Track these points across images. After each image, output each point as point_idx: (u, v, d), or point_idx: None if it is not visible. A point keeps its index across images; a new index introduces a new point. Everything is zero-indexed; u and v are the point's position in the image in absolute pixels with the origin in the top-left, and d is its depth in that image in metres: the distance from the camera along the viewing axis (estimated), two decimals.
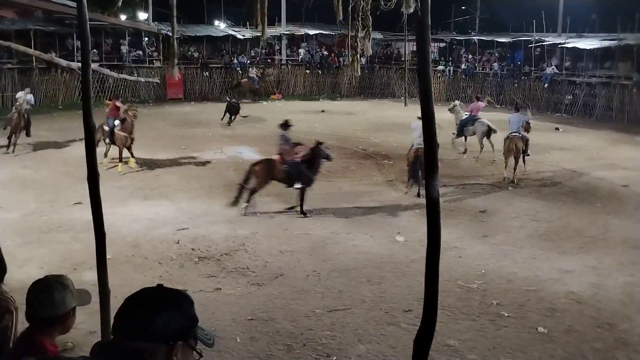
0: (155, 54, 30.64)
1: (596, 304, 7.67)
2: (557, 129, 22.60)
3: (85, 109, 3.89)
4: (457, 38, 35.05)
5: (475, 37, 33.64)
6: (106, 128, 14.42)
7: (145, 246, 9.41)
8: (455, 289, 7.98)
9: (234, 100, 23.92)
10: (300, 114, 24.60)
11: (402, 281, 8.11)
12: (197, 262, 8.78)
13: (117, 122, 14.63)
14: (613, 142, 19.90)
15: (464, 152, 17.16)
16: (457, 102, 19.17)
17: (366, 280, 8.21)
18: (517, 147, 14.02)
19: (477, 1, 38.28)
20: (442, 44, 35.65)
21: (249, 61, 32.24)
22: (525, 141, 14.48)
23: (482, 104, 17.98)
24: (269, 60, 33.87)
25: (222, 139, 18.85)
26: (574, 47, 27.71)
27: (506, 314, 7.28)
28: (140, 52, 29.94)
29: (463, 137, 17.28)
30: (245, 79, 29.96)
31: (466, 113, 17.35)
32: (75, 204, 11.21)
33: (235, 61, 31.57)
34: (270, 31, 34.11)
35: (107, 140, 14.53)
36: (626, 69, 26.43)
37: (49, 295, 2.90)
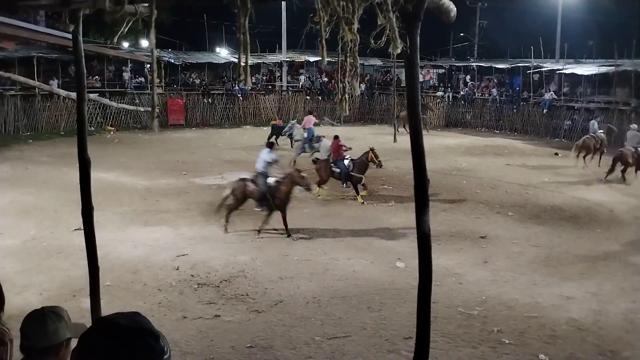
0: (157, 80, 30.86)
1: (598, 331, 7.63)
2: (556, 154, 22.66)
3: (80, 143, 3.92)
4: (456, 64, 35.38)
5: (474, 64, 33.97)
6: (336, 170, 14.67)
7: (145, 272, 9.39)
8: (456, 316, 7.94)
9: (279, 123, 24.15)
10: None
11: (403, 308, 8.07)
12: (197, 289, 8.75)
13: (346, 162, 14.68)
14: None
15: (293, 163, 18.08)
16: (293, 121, 21.19)
17: (366, 307, 8.18)
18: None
19: (476, 28, 38.78)
20: (441, 70, 36.01)
21: (250, 88, 32.52)
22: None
23: (313, 118, 20.40)
24: (270, 87, 34.16)
25: (223, 165, 18.91)
26: (572, 73, 27.95)
27: (507, 341, 7.24)
28: (142, 79, 30.20)
29: (304, 153, 18.87)
30: (405, 112, 28.84)
31: (304, 128, 19.32)
32: (75, 230, 11.19)
33: (237, 87, 31.83)
34: (271, 58, 34.57)
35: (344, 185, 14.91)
36: (624, 95, 26.63)
37: (43, 325, 2.88)
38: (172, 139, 25.31)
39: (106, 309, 6.51)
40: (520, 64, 30.10)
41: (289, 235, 11.42)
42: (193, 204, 13.87)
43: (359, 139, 22.85)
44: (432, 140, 25.48)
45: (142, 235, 11.37)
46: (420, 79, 34.76)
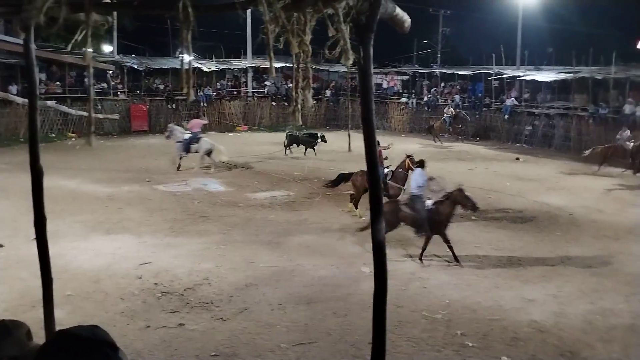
0: (120, 86, 30.47)
1: (558, 332, 7.79)
2: (517, 159, 23.14)
3: (32, 152, 3.82)
4: (420, 71, 35.86)
5: (437, 70, 34.47)
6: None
7: (107, 281, 9.21)
8: (420, 320, 8.02)
9: (294, 131, 24.07)
10: (266, 145, 24.74)
11: (368, 313, 7.96)
12: (160, 297, 8.64)
13: (386, 170, 13.64)
14: (572, 172, 20.44)
15: (178, 168, 18.78)
16: (171, 124, 21.26)
17: (332, 312, 8.19)
18: None
19: (439, 35, 39.35)
20: (405, 77, 36.44)
21: (215, 93, 32.37)
22: None
23: (201, 121, 20.64)
24: (235, 93, 34.03)
25: (187, 171, 18.73)
26: (532, 79, 28.60)
27: (470, 344, 7.34)
28: (105, 85, 29.73)
29: (186, 154, 19.04)
30: (438, 122, 28.73)
31: (188, 131, 19.39)
32: (34, 239, 10.91)
33: (201, 93, 31.61)
34: (237, 64, 34.43)
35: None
36: (582, 101, 27.39)
37: None
38: (135, 146, 24.99)
39: (67, 319, 6.41)
40: (482, 71, 30.67)
41: (457, 261, 10.45)
42: (156, 211, 13.70)
43: (322, 144, 22.96)
44: (396, 146, 25.71)
45: (104, 243, 11.16)
46: (385, 86, 35.19)
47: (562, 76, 27.52)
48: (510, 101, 28.89)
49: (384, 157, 13.87)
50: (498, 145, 27.53)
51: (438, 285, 9.37)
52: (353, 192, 13.71)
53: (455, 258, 10.49)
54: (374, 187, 3.08)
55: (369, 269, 9.81)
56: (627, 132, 20.92)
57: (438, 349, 7.22)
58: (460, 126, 28.89)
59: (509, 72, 29.78)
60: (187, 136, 19.12)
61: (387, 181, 13.51)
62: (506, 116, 28.80)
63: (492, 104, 29.89)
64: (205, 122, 21.13)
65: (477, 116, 30.20)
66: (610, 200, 15.95)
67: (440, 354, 7.11)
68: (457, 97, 31.46)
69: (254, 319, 7.97)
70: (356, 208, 13.48)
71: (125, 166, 19.57)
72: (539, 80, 28.24)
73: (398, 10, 2.91)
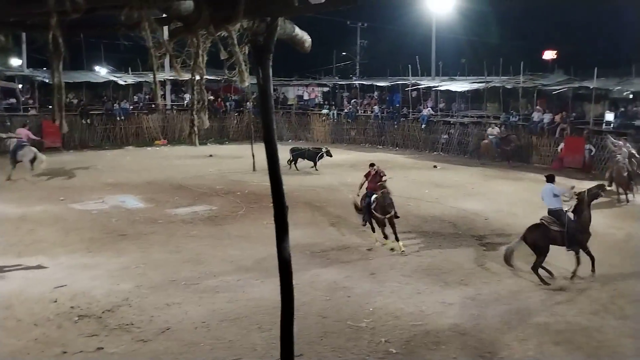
0: (30, 101, 29.09)
1: (478, 334, 8.06)
2: (435, 166, 23.86)
3: None
4: (340, 82, 36.37)
5: (356, 82, 35.10)
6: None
7: (19, 307, 8.74)
8: (345, 329, 8.09)
9: (301, 147, 23.84)
10: (187, 159, 24.31)
11: (294, 326, 8.07)
12: (77, 321, 8.27)
13: (374, 197, 12.25)
14: (486, 178, 21.28)
15: (8, 179, 18.79)
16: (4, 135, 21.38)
17: (257, 327, 8.12)
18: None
19: (357, 47, 40.14)
20: (325, 89, 36.88)
21: (132, 107, 31.50)
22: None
23: (27, 132, 20.34)
24: (153, 106, 33.26)
25: (104, 188, 18.10)
26: (447, 89, 29.63)
27: (394, 351, 7.47)
28: (14, 100, 28.29)
29: (14, 163, 19.12)
30: (486, 141, 25.41)
31: (18, 138, 19.50)
32: None
33: (117, 107, 30.70)
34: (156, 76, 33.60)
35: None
36: (494, 109, 28.70)
37: None
38: (48, 163, 23.86)
39: None
40: (399, 82, 31.47)
41: (593, 270, 10.23)
42: (72, 231, 13.14)
43: (247, 157, 22.75)
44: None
45: (15, 267, 10.58)
46: (306, 97, 35.46)
47: (475, 86, 28.70)
48: (426, 111, 29.79)
49: (382, 178, 12.55)
50: (416, 154, 28.30)
51: (362, 294, 9.49)
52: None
53: (592, 267, 10.29)
54: (279, 204, 3.09)
55: (294, 281, 9.81)
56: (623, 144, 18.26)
57: (363, 357, 7.31)
58: (509, 148, 24.81)
59: (424, 83, 30.71)
60: (13, 144, 19.26)
61: (372, 209, 12.26)
62: (423, 125, 29.65)
63: (409, 113, 30.70)
64: (30, 135, 20.34)
65: (395, 126, 30.93)
66: (523, 203, 16.69)
67: None
68: (376, 107, 32.12)
69: (176, 338, 7.77)
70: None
71: (37, 184, 18.65)
72: (454, 90, 29.31)
73: (297, 30, 2.94)
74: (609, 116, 24.15)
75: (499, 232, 13.68)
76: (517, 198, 17.25)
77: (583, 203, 10.32)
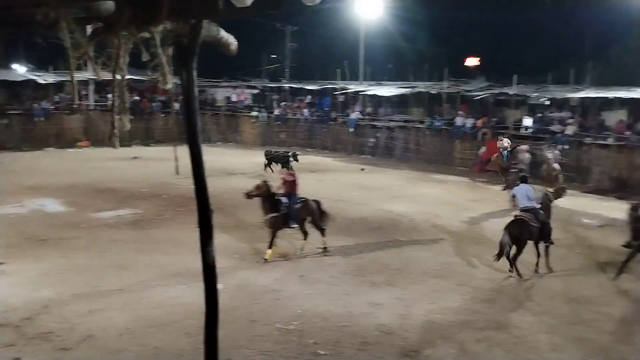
0: None
1: (403, 334, 8.25)
2: (362, 169, 24.25)
3: None
4: (269, 85, 36.33)
5: (286, 85, 35.14)
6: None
7: None
8: (273, 332, 8.09)
9: (274, 151, 22.90)
10: (111, 161, 23.54)
11: (221, 331, 7.94)
12: None
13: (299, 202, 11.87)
14: (412, 180, 21.82)
15: None
16: None
17: (184, 332, 7.97)
18: None
19: (286, 50, 40.18)
20: (255, 91, 36.74)
21: (53, 107, 30.24)
22: None
23: None
24: (75, 106, 32.03)
25: (22, 191, 17.26)
26: (374, 94, 30.17)
27: (322, 352, 7.53)
28: None
29: None
30: (496, 154, 21.52)
31: None
32: None
33: (37, 107, 29.40)
34: (77, 76, 32.40)
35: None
36: (419, 114, 29.50)
37: None
38: None
39: None
40: (328, 85, 31.79)
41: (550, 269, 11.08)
42: None
43: (172, 158, 22.31)
44: (247, 158, 25.85)
45: None
46: (234, 99, 35.17)
47: (401, 91, 29.38)
48: (355, 115, 30.23)
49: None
50: (345, 157, 28.64)
51: (291, 296, 9.51)
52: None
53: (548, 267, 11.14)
54: (203, 208, 3.06)
55: (222, 285, 9.70)
56: (556, 152, 20.74)
57: (291, 359, 7.32)
58: (517, 164, 20.63)
59: (353, 87, 31.15)
60: None
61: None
62: (351, 129, 30.07)
63: (338, 117, 31.04)
64: None
65: (324, 129, 31.19)
66: (446, 205, 17.25)
67: None
68: (306, 111, 32.29)
69: (99, 346, 7.53)
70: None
71: None
72: (381, 94, 29.89)
73: (223, 32, 2.94)
74: (527, 121, 25.35)
75: (424, 232, 14.06)
76: (441, 200, 17.79)
77: (551, 202, 11.59)
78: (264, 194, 11.56)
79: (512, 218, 11.16)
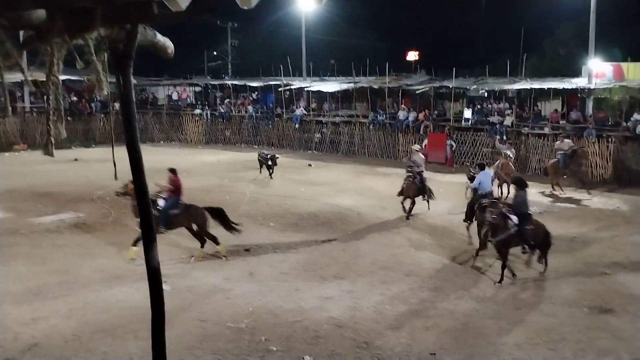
0: None
1: (354, 326, 8.38)
2: (309, 165, 24.34)
3: None
4: (212, 82, 35.93)
5: (229, 82, 34.84)
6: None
7: None
8: (224, 331, 8.07)
9: (264, 152, 21.72)
10: (50, 164, 22.72)
11: (171, 332, 7.84)
12: None
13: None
14: (358, 174, 22.07)
15: None
16: None
17: (133, 336, 7.85)
18: None
19: (228, 47, 39.84)
20: (197, 88, 36.28)
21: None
22: None
23: None
24: (11, 108, 30.82)
25: None
26: (318, 90, 30.29)
27: (274, 348, 7.57)
28: None
29: None
30: (554, 160, 19.51)
31: None
32: None
33: None
34: (9, 77, 31.20)
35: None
36: (362, 109, 29.83)
37: None
38: None
39: None
40: (272, 82, 31.69)
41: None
42: None
43: (116, 160, 21.77)
44: (192, 157, 25.55)
45: None
46: (175, 97, 34.64)
47: (344, 86, 29.60)
48: (299, 111, 30.27)
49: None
50: (291, 153, 28.64)
51: (241, 295, 9.50)
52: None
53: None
54: (144, 213, 3.06)
55: (169, 287, 9.61)
56: (569, 141, 19.86)
57: (243, 357, 7.33)
58: (582, 166, 19.27)
59: (296, 83, 31.17)
60: None
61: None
62: (297, 125, 30.11)
63: (283, 113, 31.03)
64: None
65: (269, 126, 31.12)
66: (391, 198, 17.50)
67: None
68: (250, 107, 32.12)
69: (45, 354, 7.34)
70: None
71: None
72: (324, 90, 30.02)
73: (159, 37, 2.93)
74: (467, 113, 26.03)
75: (371, 225, 14.26)
76: (386, 193, 18.03)
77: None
78: (132, 194, 10.55)
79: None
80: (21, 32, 2.76)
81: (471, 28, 43.67)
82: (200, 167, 22.38)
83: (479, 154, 24.31)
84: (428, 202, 15.42)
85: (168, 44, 2.98)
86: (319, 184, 19.79)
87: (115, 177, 17.43)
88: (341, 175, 21.74)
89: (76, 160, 24.53)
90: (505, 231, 10.35)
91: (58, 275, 10.30)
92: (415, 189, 14.98)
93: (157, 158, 23.95)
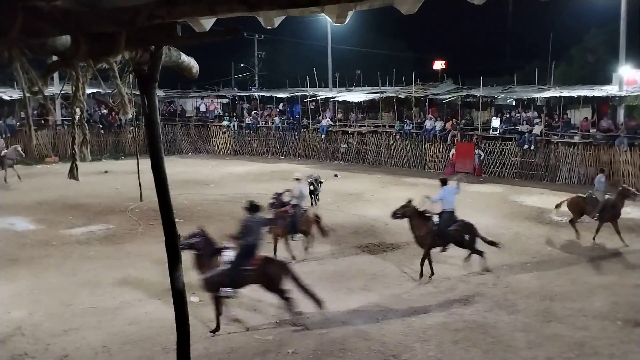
0: None
1: (381, 338, 8.31)
2: (336, 175, 24.30)
3: None
4: (239, 94, 36.23)
5: (256, 93, 35.08)
6: None
7: None
8: (252, 343, 8.09)
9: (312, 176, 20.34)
10: (81, 176, 23.05)
11: (200, 344, 7.96)
12: None
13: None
14: (384, 185, 21.97)
15: None
16: None
17: (161, 348, 7.92)
18: None
19: (255, 59, 40.18)
20: (225, 100, 36.60)
21: (18, 123, 29.71)
22: None
23: None
24: (43, 122, 31.52)
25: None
26: (344, 100, 30.31)
27: None
28: None
29: None
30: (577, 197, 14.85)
31: None
32: None
33: (2, 124, 28.86)
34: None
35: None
36: (389, 118, 29.74)
37: None
38: None
39: None
40: (298, 93, 31.82)
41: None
42: None
43: (145, 172, 22.01)
44: (220, 169, 25.75)
45: None
46: (203, 109, 34.98)
47: (370, 96, 29.57)
48: (325, 121, 30.32)
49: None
50: (318, 164, 28.67)
51: (267, 306, 9.45)
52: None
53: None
54: (169, 234, 3.08)
55: (198, 298, 9.66)
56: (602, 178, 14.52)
57: None
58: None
59: (322, 94, 31.25)
60: None
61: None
62: (323, 135, 30.15)
63: (309, 124, 31.12)
64: None
65: (296, 137, 31.23)
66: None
67: None
68: (277, 119, 32.29)
69: None
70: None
71: None
72: (350, 100, 30.03)
73: (184, 57, 2.96)
74: (495, 122, 25.76)
75: (397, 236, 14.15)
76: (414, 203, 17.89)
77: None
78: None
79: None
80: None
81: (498, 36, 43.36)
82: (228, 179, 22.53)
83: (507, 163, 24.04)
84: None
85: (193, 63, 3.01)
86: (345, 194, 19.74)
87: (141, 199, 17.42)
88: (367, 186, 21.66)
89: (106, 172, 24.90)
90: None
91: (88, 287, 10.46)
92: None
93: (185, 169, 24.26)
